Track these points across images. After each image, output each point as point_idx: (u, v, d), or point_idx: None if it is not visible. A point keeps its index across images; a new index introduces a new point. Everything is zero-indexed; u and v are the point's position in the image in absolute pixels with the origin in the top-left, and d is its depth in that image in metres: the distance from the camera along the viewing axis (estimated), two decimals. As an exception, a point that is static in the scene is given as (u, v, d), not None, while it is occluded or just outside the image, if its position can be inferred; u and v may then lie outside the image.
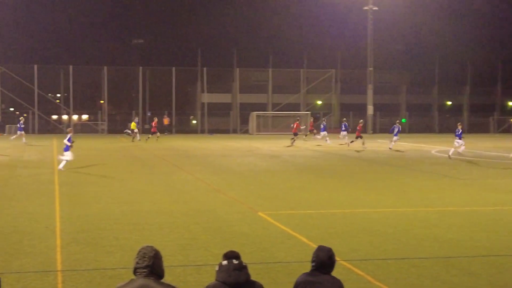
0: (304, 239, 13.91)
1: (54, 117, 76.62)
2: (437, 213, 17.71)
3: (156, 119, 55.92)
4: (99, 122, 73.65)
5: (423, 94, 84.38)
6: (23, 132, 49.90)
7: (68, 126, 37.63)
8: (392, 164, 33.75)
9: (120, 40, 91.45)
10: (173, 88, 74.02)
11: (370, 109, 70.90)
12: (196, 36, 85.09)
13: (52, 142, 49.23)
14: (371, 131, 69.87)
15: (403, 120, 78.54)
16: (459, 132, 38.03)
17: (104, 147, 47.02)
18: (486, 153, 41.21)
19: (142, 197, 20.43)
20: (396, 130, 45.26)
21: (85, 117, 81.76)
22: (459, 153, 37.79)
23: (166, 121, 69.65)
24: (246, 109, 74.62)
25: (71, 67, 71.87)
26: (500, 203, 19.69)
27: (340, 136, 51.77)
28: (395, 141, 44.91)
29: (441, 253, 12.91)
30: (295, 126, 50.17)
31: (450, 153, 37.45)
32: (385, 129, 71.62)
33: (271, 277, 11.04)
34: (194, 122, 77.90)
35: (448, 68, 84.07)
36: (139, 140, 52.17)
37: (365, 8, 69.29)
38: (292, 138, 49.36)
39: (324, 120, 54.81)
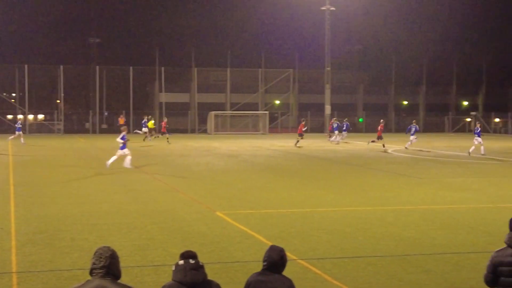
0: (263, 239, 13.92)
1: (9, 116, 75.46)
2: (395, 212, 17.88)
3: (166, 119, 55.53)
4: (55, 122, 72.77)
5: (380, 94, 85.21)
6: (21, 132, 48.98)
7: (123, 125, 37.52)
8: (350, 163, 34.00)
9: (77, 39, 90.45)
10: (131, 87, 73.50)
11: (327, 109, 71.31)
12: (154, 35, 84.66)
13: (7, 142, 48.46)
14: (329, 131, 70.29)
15: (360, 120, 79.20)
16: (478, 131, 39.57)
17: (61, 146, 46.46)
18: (441, 152, 41.78)
19: (101, 198, 20.24)
20: (413, 129, 45.38)
21: (41, 116, 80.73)
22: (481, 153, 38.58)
23: (121, 121, 69.16)
24: (204, 109, 74.47)
25: (26, 66, 70.86)
26: (456, 201, 19.97)
27: (343, 135, 52.90)
28: (412, 141, 44.85)
29: (398, 251, 13.04)
30: (299, 127, 50.12)
31: (470, 150, 39.14)
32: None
33: (229, 276, 11.03)
34: (152, 122, 77.42)
35: (405, 68, 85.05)
36: (150, 139, 52.02)
37: (323, 8, 69.67)
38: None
39: (336, 120, 54.77)
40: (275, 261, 6.30)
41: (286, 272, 6.57)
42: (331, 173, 29.08)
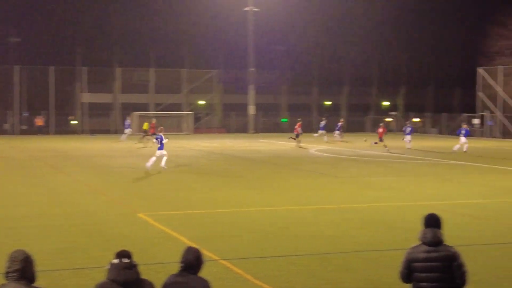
0: (185, 240, 13.88)
1: None
2: (316, 211, 18.13)
3: (154, 121, 54.00)
4: (-28, 123, 70.66)
5: (303, 94, 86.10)
6: None
7: (159, 125, 36.61)
8: (273, 163, 34.24)
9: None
10: (51, 87, 72.05)
11: (252, 109, 71.60)
12: (76, 35, 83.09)
13: None
14: (253, 131, 70.58)
15: (284, 120, 79.83)
16: (464, 131, 41.91)
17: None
18: (362, 152, 42.52)
19: (19, 200, 19.78)
20: (409, 129, 46.07)
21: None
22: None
23: (39, 122, 67.79)
24: (127, 109, 73.60)
25: None
26: (376, 200, 20.38)
27: (334, 134, 53.90)
28: (409, 141, 45.53)
29: (318, 250, 13.22)
30: (296, 127, 49.90)
31: (464, 149, 41.01)
32: (267, 129, 72.65)
33: (151, 278, 10.84)
34: (74, 122, 76.07)
35: (327, 68, 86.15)
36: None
37: (246, 9, 69.91)
38: (291, 138, 49.18)
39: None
40: (191, 262, 6.31)
41: (207, 273, 6.60)
42: (255, 173, 29.23)
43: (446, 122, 71.60)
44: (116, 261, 5.93)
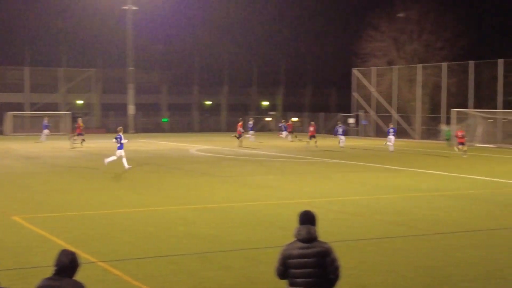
0: (62, 242, 13.60)
1: None
2: (196, 210, 18.19)
3: (80, 119, 51.16)
4: None
5: (184, 93, 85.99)
6: None
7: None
8: (154, 163, 34.01)
9: None
10: None
11: (131, 109, 70.73)
12: None
13: None
14: (133, 131, 69.79)
15: (164, 120, 79.42)
16: (393, 131, 44.32)
17: None
18: (242, 151, 42.94)
19: None
20: (340, 130, 46.96)
21: None
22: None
23: None
24: (1, 109, 70.98)
25: None
26: (255, 199, 20.68)
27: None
28: (343, 140, 46.52)
29: (199, 249, 13.30)
30: (238, 127, 49.72)
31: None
32: (147, 129, 72.01)
33: (27, 282, 10.68)
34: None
35: (208, 68, 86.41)
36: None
37: (124, 7, 69.01)
38: (235, 136, 49.37)
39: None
40: (65, 265, 6.21)
41: (85, 275, 6.52)
42: (134, 173, 28.93)
43: (323, 121, 73.42)
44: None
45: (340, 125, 48.64)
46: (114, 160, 29.63)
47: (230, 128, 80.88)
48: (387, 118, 63.17)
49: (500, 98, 53.75)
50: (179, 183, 25.03)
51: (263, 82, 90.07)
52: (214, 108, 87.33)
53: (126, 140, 30.24)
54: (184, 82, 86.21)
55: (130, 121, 70.87)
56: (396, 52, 65.72)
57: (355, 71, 67.66)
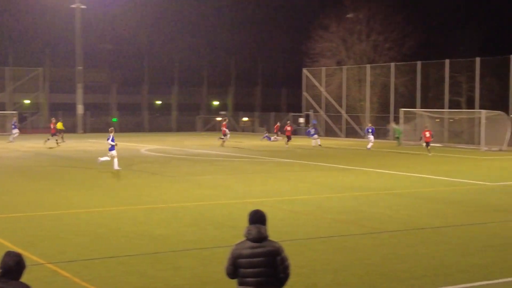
0: (9, 244, 13.35)
1: None
2: (146, 211, 18.07)
3: (54, 119, 49.78)
4: None
5: (133, 93, 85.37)
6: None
7: (110, 126, 33.97)
8: (102, 163, 33.61)
9: None
10: None
11: (80, 109, 69.89)
12: None
13: None
14: (82, 131, 69.00)
15: (114, 120, 78.68)
16: (371, 130, 46.08)
17: None
18: (192, 151, 42.82)
19: None
20: (313, 131, 48.55)
21: None
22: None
23: None
24: None
25: None
26: (206, 198, 20.64)
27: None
28: (316, 139, 47.92)
29: (149, 250, 13.21)
30: (223, 127, 49.67)
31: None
32: (96, 129, 71.20)
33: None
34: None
35: (157, 68, 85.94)
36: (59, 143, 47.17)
37: (73, 6, 68.17)
38: (221, 138, 49.16)
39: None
40: (11, 267, 6.10)
41: (32, 277, 6.44)
42: (83, 174, 28.62)
43: (274, 121, 73.67)
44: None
45: (312, 126, 50.34)
46: (107, 161, 29.66)
47: (180, 127, 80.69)
48: (336, 118, 63.76)
49: (446, 98, 54.71)
50: (129, 183, 24.83)
51: (213, 81, 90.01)
52: (164, 108, 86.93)
53: (115, 143, 29.78)
54: (133, 81, 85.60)
55: (79, 121, 70.06)
56: (345, 52, 66.35)
57: (305, 71, 68.08)
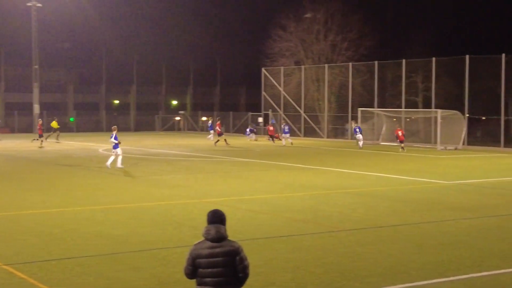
0: (-36, 246, 13.17)
1: None
2: (104, 211, 17.94)
3: (41, 121, 48.72)
4: None
5: (91, 92, 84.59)
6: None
7: (113, 124, 33.71)
8: (60, 163, 33.30)
9: None
10: None
11: (36, 108, 68.97)
12: None
13: None
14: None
15: (71, 119, 77.89)
16: (359, 130, 46.92)
17: None
18: (151, 150, 42.61)
19: None
20: (287, 128, 50.28)
21: None
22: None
23: None
24: None
25: None
26: (165, 198, 20.56)
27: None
28: (286, 138, 49.64)
29: (107, 250, 13.12)
30: (217, 127, 50.32)
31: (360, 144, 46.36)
32: (53, 129, 70.31)
33: None
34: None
35: (115, 67, 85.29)
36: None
37: (29, 4, 67.26)
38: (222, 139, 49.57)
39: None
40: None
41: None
42: (39, 174, 28.27)
43: (233, 120, 73.70)
44: None
45: (285, 123, 51.97)
46: (114, 160, 29.89)
47: (139, 127, 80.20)
48: (295, 117, 63.98)
49: (403, 98, 55.34)
50: (87, 183, 24.61)
51: (172, 81, 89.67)
52: (123, 107, 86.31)
53: (118, 141, 29.85)
54: (91, 80, 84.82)
55: (35, 120, 69.13)
56: (303, 52, 66.62)
57: (264, 71, 68.21)
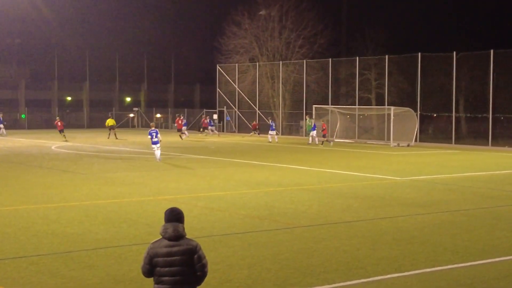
0: None
1: None
2: (58, 209, 17.72)
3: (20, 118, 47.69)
4: None
5: (43, 89, 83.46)
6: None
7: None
8: (11, 161, 32.80)
9: None
10: None
11: (-13, 105, 67.80)
12: None
13: None
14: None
15: (23, 116, 76.73)
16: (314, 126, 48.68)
17: None
18: (105, 148, 42.24)
19: None
20: (273, 125, 52.91)
21: None
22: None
23: None
24: None
25: None
26: (119, 196, 20.41)
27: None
28: (275, 135, 52.47)
29: (61, 249, 12.97)
30: (202, 122, 53.29)
31: (316, 141, 48.00)
32: (4, 126, 69.13)
33: None
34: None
35: (68, 63, 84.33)
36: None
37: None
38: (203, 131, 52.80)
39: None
40: None
41: None
42: (-9, 172, 27.80)
43: (188, 117, 73.46)
44: None
45: (271, 120, 54.66)
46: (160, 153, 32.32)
47: (92, 124, 79.37)
48: (250, 114, 64.08)
49: (357, 95, 55.87)
50: (39, 181, 24.27)
51: (126, 77, 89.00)
52: (75, 104, 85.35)
53: (158, 138, 31.98)
54: (43, 77, 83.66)
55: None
56: (258, 49, 66.74)
57: (219, 67, 68.14)
